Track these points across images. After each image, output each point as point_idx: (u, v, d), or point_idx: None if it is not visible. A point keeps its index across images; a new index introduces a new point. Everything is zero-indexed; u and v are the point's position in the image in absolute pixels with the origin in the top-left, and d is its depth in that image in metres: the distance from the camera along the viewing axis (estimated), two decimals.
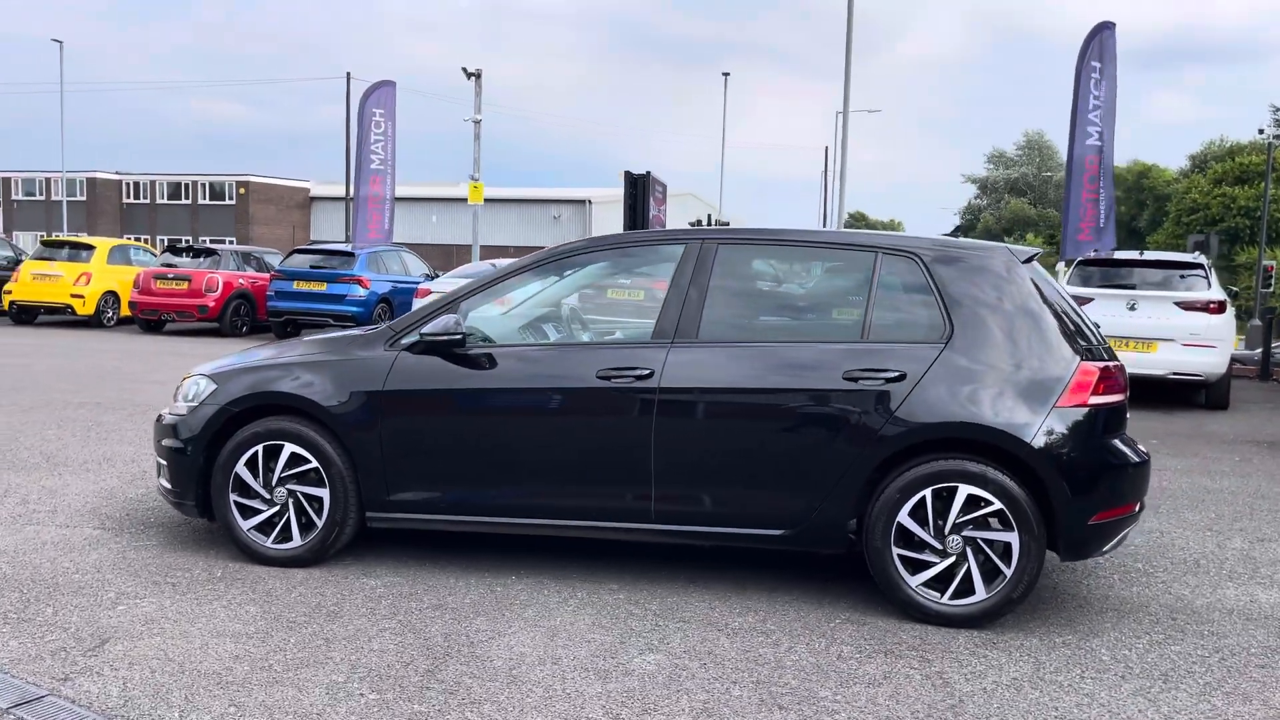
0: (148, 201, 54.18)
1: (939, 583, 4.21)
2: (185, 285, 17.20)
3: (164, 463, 4.89)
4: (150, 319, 17.76)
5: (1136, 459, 4.31)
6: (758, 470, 4.34)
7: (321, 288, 16.46)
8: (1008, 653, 3.96)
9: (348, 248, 17.63)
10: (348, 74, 41.24)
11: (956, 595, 4.19)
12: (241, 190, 52.58)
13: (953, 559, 4.19)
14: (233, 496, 4.71)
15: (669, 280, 4.56)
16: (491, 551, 4.95)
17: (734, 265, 4.62)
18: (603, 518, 4.48)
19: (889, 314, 4.44)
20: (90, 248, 18.79)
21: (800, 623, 4.20)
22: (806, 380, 4.30)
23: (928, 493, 4.18)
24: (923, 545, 4.22)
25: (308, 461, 4.63)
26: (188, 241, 20.59)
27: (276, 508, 4.68)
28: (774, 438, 4.33)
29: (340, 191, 44.12)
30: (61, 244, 19.20)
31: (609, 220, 46.80)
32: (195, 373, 4.98)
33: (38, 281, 18.12)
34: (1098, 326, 4.64)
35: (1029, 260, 4.49)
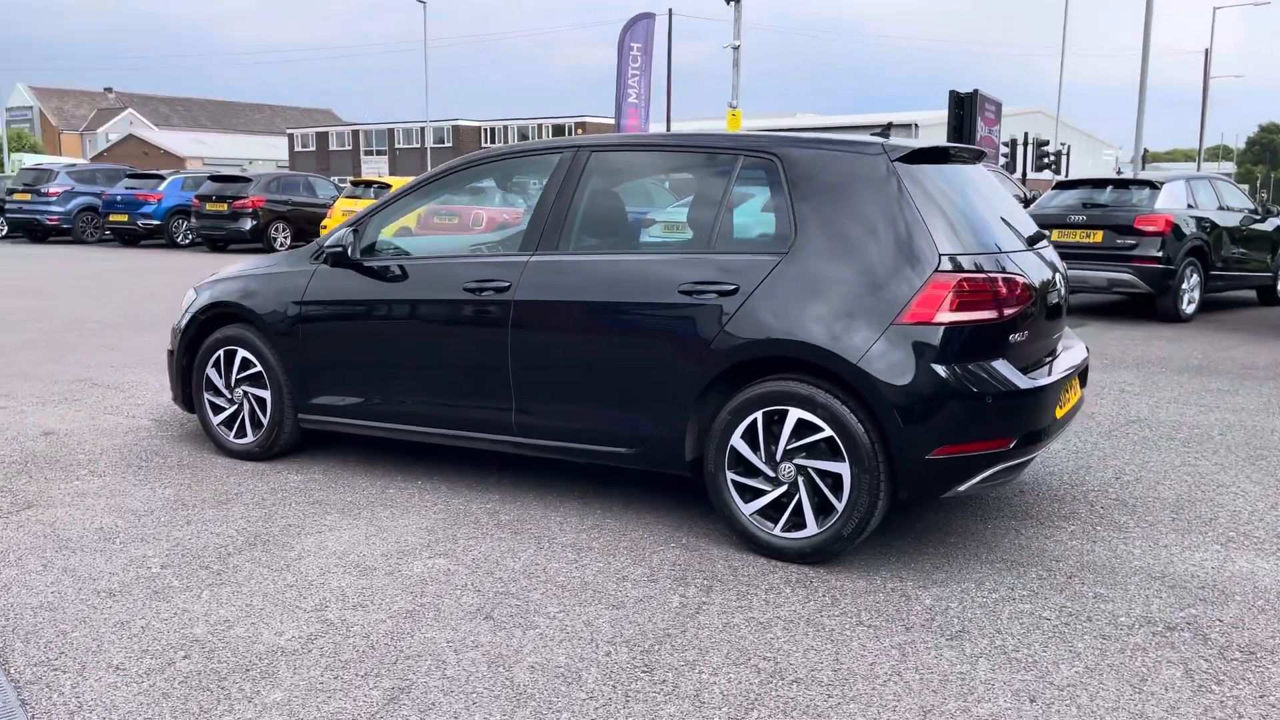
0: (502, 144, 59.02)
1: (775, 511, 3.89)
2: (454, 221, 18.76)
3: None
4: None
5: (1006, 388, 3.68)
6: (601, 386, 4.21)
7: None
8: (809, 590, 3.61)
9: None
10: (669, 10, 42.21)
11: (789, 527, 3.85)
12: (580, 130, 55.64)
13: (785, 488, 3.85)
14: (206, 395, 5.30)
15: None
16: (441, 461, 5.19)
17: (603, 174, 4.44)
18: (475, 429, 4.55)
19: (739, 221, 4.09)
20: (388, 186, 20.97)
21: (628, 544, 4.06)
22: (645, 293, 4.08)
23: (759, 415, 3.85)
24: (756, 472, 3.90)
25: (254, 366, 5.10)
26: None
27: (235, 406, 5.21)
28: (614, 353, 4.16)
29: (675, 127, 45.39)
30: (369, 183, 21.57)
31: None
32: (194, 285, 5.61)
33: (345, 216, 20.58)
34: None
35: (910, 158, 3.91)
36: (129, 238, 23.21)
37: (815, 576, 3.74)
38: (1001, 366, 3.72)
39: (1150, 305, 11.41)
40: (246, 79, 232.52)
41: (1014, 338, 3.78)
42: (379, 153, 62.86)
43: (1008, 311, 3.73)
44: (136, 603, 3.46)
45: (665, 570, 3.79)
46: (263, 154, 70.27)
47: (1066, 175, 33.93)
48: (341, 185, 24.96)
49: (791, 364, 3.84)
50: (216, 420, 5.27)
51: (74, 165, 25.68)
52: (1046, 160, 32.85)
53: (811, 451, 3.78)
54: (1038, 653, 3.16)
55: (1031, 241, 4.23)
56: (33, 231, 23.93)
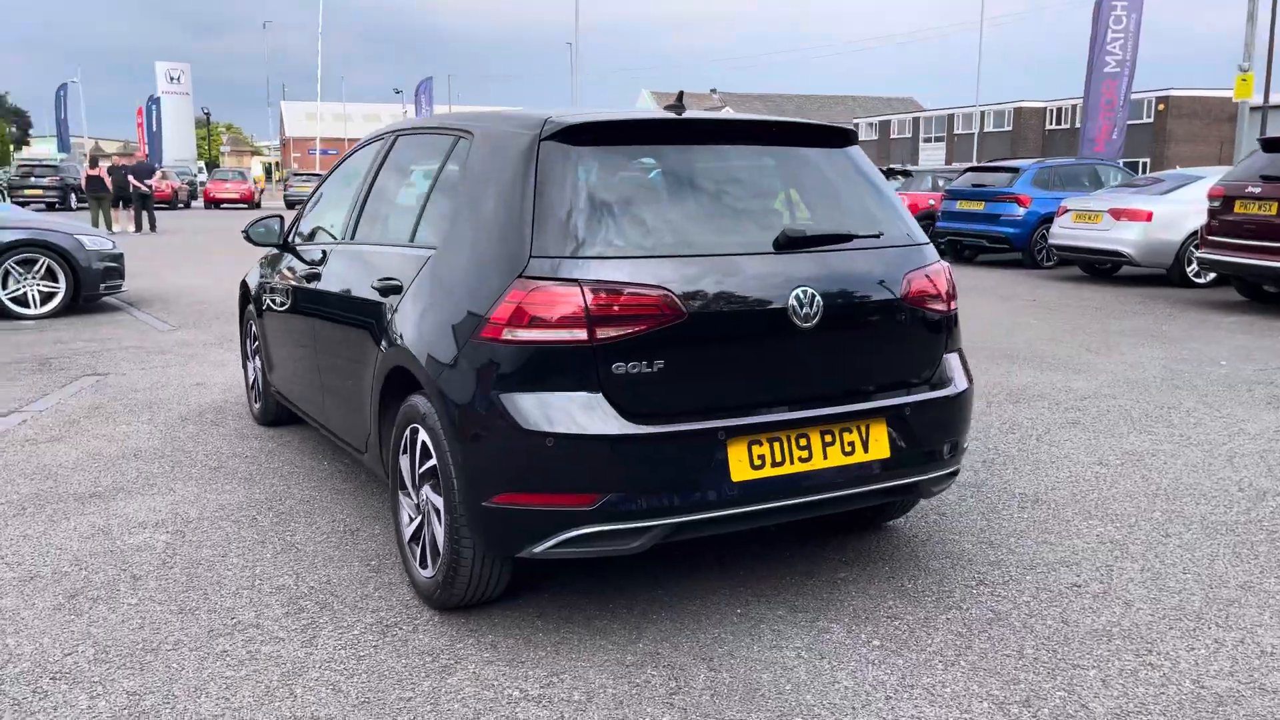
0: (1067, 126, 54.19)
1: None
2: None
3: None
4: None
5: (576, 430, 2.79)
6: (345, 382, 4.01)
7: (979, 207, 15.61)
8: (384, 639, 3.12)
9: (1016, 163, 16.20)
10: None
11: (422, 562, 3.35)
12: (1160, 106, 49.10)
13: (421, 518, 3.35)
14: (247, 364, 5.94)
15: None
16: None
17: (394, 162, 4.14)
18: (310, 411, 4.60)
19: (435, 210, 3.57)
20: None
21: (374, 565, 3.79)
22: (358, 288, 3.79)
23: (408, 432, 3.38)
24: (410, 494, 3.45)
25: (256, 340, 5.61)
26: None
27: (253, 375, 5.77)
28: (344, 349, 3.95)
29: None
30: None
31: None
32: None
33: None
34: None
35: (566, 136, 3.07)
36: None
37: (428, 624, 3.22)
38: (581, 401, 2.84)
39: None
40: (843, 70, 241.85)
41: (622, 366, 2.85)
42: (937, 139, 61.51)
43: (604, 333, 2.83)
44: None
45: (329, 595, 3.43)
46: None
47: None
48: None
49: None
50: (248, 386, 5.90)
51: None
52: None
53: (432, 480, 3.25)
54: None
55: (791, 244, 3.11)
56: None
